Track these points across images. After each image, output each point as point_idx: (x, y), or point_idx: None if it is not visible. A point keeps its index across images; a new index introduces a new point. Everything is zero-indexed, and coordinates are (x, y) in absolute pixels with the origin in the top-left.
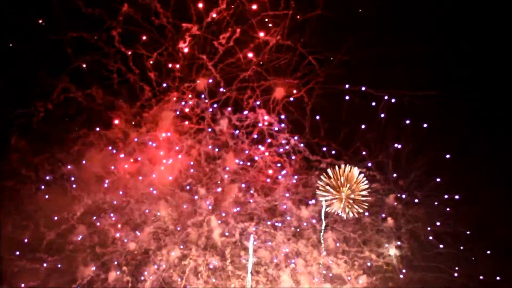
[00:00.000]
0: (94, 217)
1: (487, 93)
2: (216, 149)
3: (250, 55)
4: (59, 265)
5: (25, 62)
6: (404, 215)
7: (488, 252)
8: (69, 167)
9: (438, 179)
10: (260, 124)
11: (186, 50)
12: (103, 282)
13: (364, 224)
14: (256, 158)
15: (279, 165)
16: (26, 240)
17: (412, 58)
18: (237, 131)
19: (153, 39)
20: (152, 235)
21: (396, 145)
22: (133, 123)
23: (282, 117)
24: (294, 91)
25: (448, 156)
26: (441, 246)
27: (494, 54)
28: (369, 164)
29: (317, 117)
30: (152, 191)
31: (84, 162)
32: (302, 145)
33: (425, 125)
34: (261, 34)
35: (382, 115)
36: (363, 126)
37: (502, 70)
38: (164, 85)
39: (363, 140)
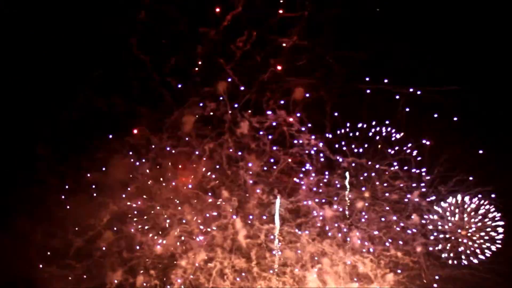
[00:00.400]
0: (120, 223)
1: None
2: (238, 152)
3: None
4: (88, 271)
5: (49, 71)
6: (429, 211)
7: None
8: (93, 174)
9: (462, 175)
10: (281, 125)
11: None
12: (132, 286)
13: (389, 222)
14: (278, 159)
15: (302, 166)
16: (55, 247)
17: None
18: (259, 133)
19: (171, 44)
20: (178, 239)
21: (418, 141)
22: (155, 129)
23: (303, 117)
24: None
25: (480, 151)
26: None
27: None
28: (393, 163)
29: (336, 114)
30: (176, 195)
31: (107, 168)
32: (322, 144)
33: (454, 119)
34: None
35: (407, 109)
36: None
37: None
38: (184, 90)
39: (385, 137)
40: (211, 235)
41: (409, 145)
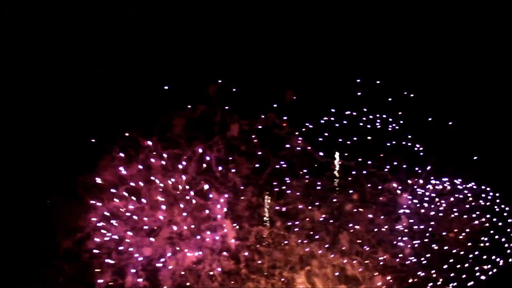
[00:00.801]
0: (109, 224)
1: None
2: (228, 154)
3: None
4: (76, 273)
5: (40, 71)
6: (417, 214)
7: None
8: (82, 175)
9: (450, 177)
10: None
11: None
12: (121, 287)
13: (377, 225)
14: (268, 162)
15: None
16: (43, 249)
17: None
18: (248, 136)
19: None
20: (167, 241)
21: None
22: (145, 131)
23: (292, 120)
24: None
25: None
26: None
27: None
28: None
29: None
30: (166, 197)
31: (97, 170)
32: (310, 147)
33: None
34: None
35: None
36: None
37: None
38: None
39: (374, 140)
40: (201, 236)
41: (399, 147)
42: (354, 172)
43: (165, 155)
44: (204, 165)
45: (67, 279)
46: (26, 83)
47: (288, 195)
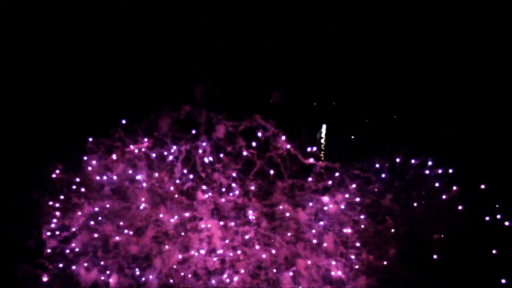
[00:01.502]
0: (95, 223)
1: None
2: (213, 155)
3: None
4: (62, 271)
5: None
6: (401, 215)
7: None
8: (69, 174)
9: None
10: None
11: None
12: (106, 285)
13: (362, 227)
14: (253, 163)
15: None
16: (29, 246)
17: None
18: (234, 137)
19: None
20: (153, 240)
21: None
22: (131, 130)
23: (277, 121)
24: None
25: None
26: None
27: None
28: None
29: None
30: (152, 196)
31: (83, 169)
32: (295, 148)
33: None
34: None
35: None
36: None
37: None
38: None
39: (358, 143)
40: (186, 236)
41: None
42: (338, 174)
43: (151, 155)
44: (190, 166)
45: (52, 278)
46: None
47: (274, 196)
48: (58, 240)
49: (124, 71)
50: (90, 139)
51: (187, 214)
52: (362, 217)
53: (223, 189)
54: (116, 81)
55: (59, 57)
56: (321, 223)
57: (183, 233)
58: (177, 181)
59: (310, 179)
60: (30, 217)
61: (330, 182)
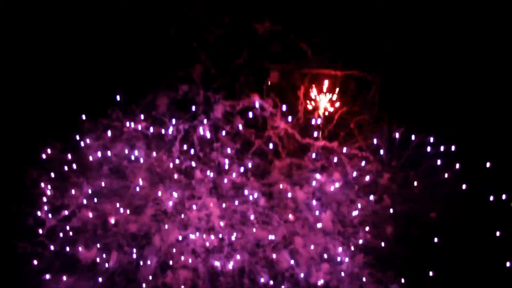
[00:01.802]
0: (94, 202)
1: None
2: (212, 134)
3: None
4: (61, 249)
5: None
6: (399, 195)
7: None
8: (67, 154)
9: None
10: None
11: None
12: (106, 263)
13: (359, 206)
14: (251, 142)
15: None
16: (29, 225)
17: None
18: (232, 116)
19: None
20: (152, 218)
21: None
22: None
23: (275, 101)
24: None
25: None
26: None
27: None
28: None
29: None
30: (151, 175)
31: (82, 149)
32: (293, 128)
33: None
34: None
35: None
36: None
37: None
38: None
39: (357, 123)
40: (185, 215)
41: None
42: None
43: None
44: (189, 145)
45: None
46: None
47: (272, 175)
48: (57, 219)
49: (121, 50)
50: (87, 118)
51: (186, 193)
52: (359, 196)
53: (222, 168)
54: (113, 61)
55: (57, 36)
56: (319, 202)
57: (182, 212)
58: (176, 160)
59: (307, 158)
60: (29, 196)
61: (327, 162)
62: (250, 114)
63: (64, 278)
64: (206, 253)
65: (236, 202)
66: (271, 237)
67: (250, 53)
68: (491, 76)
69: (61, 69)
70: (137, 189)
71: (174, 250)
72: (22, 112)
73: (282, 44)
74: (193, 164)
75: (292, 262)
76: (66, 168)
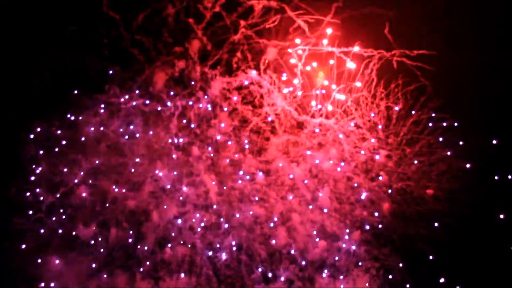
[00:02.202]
0: (92, 179)
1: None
2: (209, 111)
3: None
4: (60, 226)
5: (19, 29)
6: (395, 172)
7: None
8: (64, 131)
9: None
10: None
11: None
12: (104, 238)
13: (355, 182)
14: (248, 119)
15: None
16: (27, 202)
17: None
18: (229, 93)
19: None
20: (150, 194)
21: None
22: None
23: (273, 78)
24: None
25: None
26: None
27: None
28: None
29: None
30: (148, 152)
31: (80, 126)
32: (290, 107)
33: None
34: None
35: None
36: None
37: None
38: (154, 49)
39: (354, 100)
40: (183, 192)
41: (378, 107)
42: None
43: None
44: (186, 121)
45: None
46: None
47: (269, 152)
48: (55, 197)
49: (117, 28)
50: (84, 95)
51: (183, 170)
52: (356, 173)
53: (219, 145)
54: (108, 38)
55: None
56: (316, 179)
57: (179, 189)
58: (173, 137)
59: (304, 135)
60: (26, 173)
61: (324, 139)
62: (247, 91)
63: (63, 254)
64: (203, 230)
65: (233, 179)
66: (268, 214)
67: (247, 29)
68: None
69: (56, 46)
70: (135, 165)
71: (172, 226)
72: (17, 89)
73: (279, 20)
74: (191, 141)
75: (289, 238)
76: (63, 145)
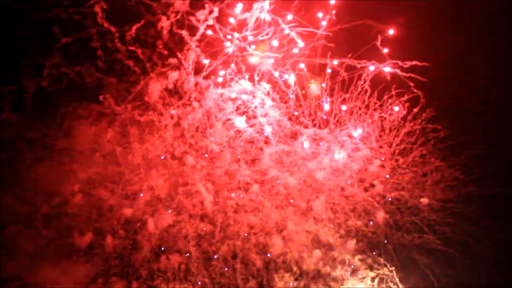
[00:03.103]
0: (88, 189)
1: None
2: (204, 121)
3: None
4: (56, 234)
5: (15, 38)
6: (388, 182)
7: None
8: (61, 141)
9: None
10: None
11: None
12: (100, 247)
13: (350, 192)
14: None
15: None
16: (24, 212)
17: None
18: (223, 104)
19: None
20: (146, 203)
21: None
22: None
23: (266, 89)
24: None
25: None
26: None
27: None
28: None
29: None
30: (143, 162)
31: (75, 136)
32: (283, 116)
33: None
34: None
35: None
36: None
37: None
38: (149, 60)
39: (347, 110)
40: (178, 201)
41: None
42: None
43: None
44: (181, 132)
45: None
46: None
47: (263, 162)
48: (51, 206)
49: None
50: (80, 105)
51: (179, 179)
52: (349, 182)
53: (214, 155)
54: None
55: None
56: (310, 188)
57: (175, 198)
58: (169, 147)
59: (298, 145)
60: (23, 182)
61: (318, 148)
62: (241, 101)
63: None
64: (197, 238)
65: (229, 189)
66: (263, 223)
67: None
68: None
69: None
70: (131, 175)
71: (167, 235)
72: (12, 98)
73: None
74: (186, 150)
75: (284, 248)
76: (59, 154)
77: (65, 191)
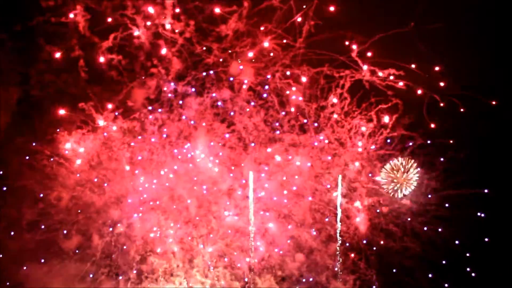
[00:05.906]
0: (74, 194)
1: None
2: (186, 127)
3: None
4: (43, 239)
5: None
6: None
7: None
8: (46, 148)
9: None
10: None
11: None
12: (88, 249)
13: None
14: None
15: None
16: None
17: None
18: (205, 111)
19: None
20: (133, 208)
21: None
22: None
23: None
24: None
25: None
26: None
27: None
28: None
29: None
30: (126, 168)
31: (58, 144)
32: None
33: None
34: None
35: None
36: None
37: None
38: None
39: (325, 116)
40: (161, 204)
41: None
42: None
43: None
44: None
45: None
46: None
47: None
48: (36, 213)
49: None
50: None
51: (163, 185)
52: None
53: (197, 160)
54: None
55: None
56: (292, 191)
57: (160, 202)
58: (152, 152)
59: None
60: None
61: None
62: (222, 109)
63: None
64: (185, 242)
65: (213, 194)
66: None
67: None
68: None
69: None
70: (118, 180)
71: (153, 238)
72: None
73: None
74: (169, 156)
75: (267, 252)
76: (45, 160)
77: (50, 196)
